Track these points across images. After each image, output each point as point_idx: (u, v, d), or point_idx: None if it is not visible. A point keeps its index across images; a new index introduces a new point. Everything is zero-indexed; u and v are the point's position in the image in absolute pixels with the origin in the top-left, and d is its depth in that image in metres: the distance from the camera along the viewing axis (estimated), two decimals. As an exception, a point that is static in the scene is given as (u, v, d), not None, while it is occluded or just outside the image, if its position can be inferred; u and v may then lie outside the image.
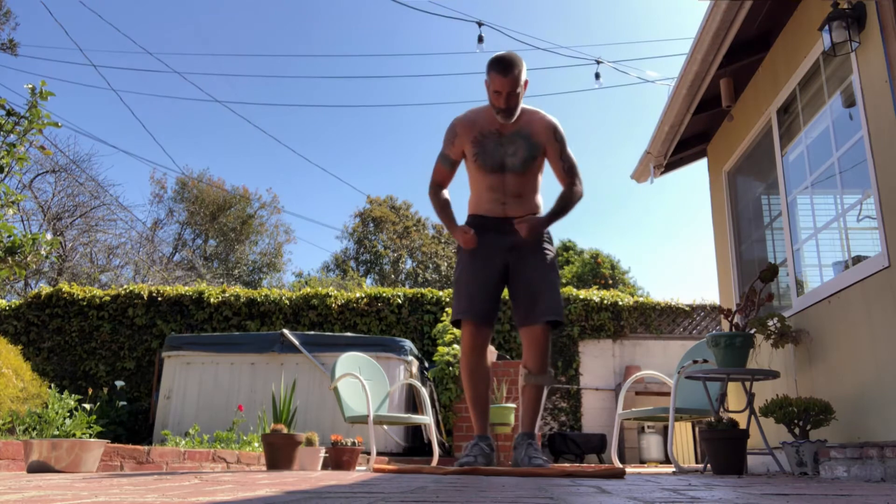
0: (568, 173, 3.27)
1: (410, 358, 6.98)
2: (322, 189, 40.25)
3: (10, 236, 3.60)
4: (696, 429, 8.06)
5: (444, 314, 8.08)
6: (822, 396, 3.53)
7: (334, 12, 35.52)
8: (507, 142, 3.21)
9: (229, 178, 30.11)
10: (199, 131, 34.62)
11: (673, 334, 9.22)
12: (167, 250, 21.31)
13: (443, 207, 3.33)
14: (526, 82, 3.16)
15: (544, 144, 3.24)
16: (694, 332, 9.26)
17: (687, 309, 9.38)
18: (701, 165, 5.90)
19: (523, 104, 3.22)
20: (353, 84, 41.92)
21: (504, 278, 3.32)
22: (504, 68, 3.07)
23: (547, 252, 3.30)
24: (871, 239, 3.42)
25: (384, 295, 9.16)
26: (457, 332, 7.25)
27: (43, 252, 3.72)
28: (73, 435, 3.67)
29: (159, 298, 9.16)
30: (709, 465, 3.61)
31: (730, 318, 3.87)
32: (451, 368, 6.72)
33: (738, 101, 4.95)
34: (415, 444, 6.98)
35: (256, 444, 5.16)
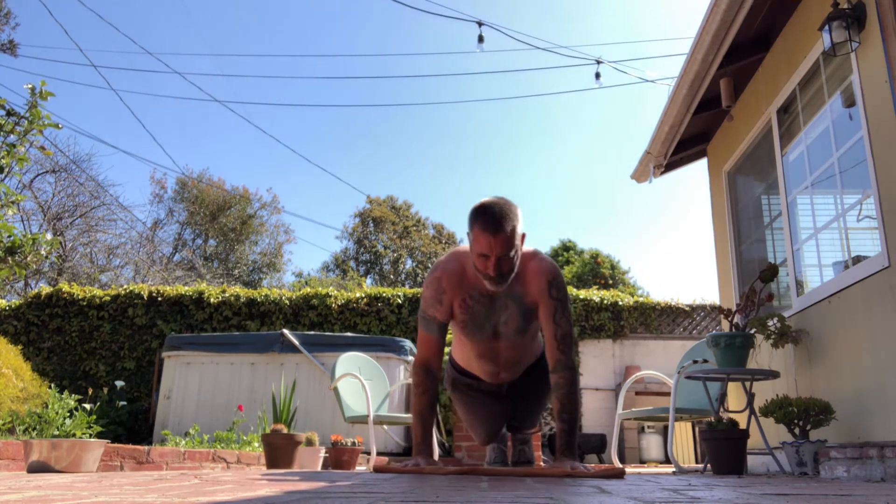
0: (560, 342, 2.52)
1: (410, 358, 6.98)
2: (322, 189, 40.27)
3: (10, 236, 3.60)
4: (696, 429, 8.06)
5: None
6: (822, 396, 3.53)
7: (334, 12, 35.54)
8: (500, 307, 2.57)
9: (229, 178, 30.12)
10: (199, 131, 34.64)
11: (673, 334, 9.22)
12: (167, 250, 21.33)
13: (423, 414, 2.58)
14: (523, 237, 2.47)
15: (537, 303, 2.55)
16: (694, 332, 9.27)
17: (687, 309, 9.38)
18: (701, 165, 5.90)
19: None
20: (354, 84, 41.94)
21: (498, 408, 3.02)
22: (493, 224, 2.33)
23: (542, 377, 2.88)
24: (871, 239, 3.42)
25: (384, 295, 9.16)
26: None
27: (43, 252, 3.72)
28: (73, 435, 3.67)
29: (159, 298, 9.16)
30: (709, 465, 3.61)
31: (730, 318, 3.87)
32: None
33: (738, 101, 4.95)
34: (415, 444, 6.97)
35: (256, 444, 5.16)
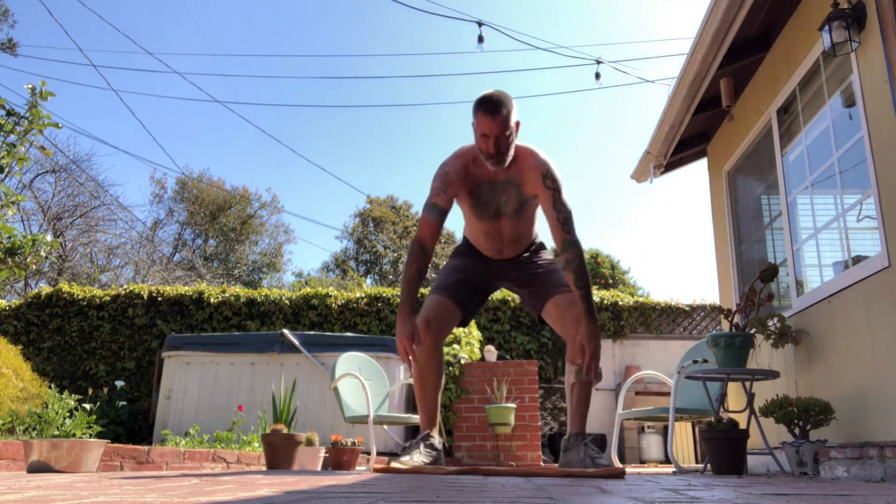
0: (563, 224, 2.85)
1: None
2: (322, 189, 40.26)
3: (9, 237, 3.60)
4: (696, 429, 8.06)
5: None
6: (822, 396, 3.53)
7: (334, 12, 35.54)
8: (500, 190, 2.94)
9: (229, 178, 30.13)
10: (199, 131, 34.64)
11: (673, 334, 9.22)
12: (167, 250, 21.33)
13: (410, 279, 2.89)
14: (517, 123, 2.85)
15: (535, 193, 2.91)
16: (694, 332, 9.27)
17: (687, 309, 9.38)
18: (701, 165, 5.91)
19: (518, 143, 2.93)
20: (354, 84, 41.94)
21: (495, 287, 3.24)
22: (491, 108, 2.76)
23: (548, 257, 3.23)
24: (871, 239, 3.42)
25: (384, 295, 9.16)
26: (456, 331, 7.25)
27: (42, 253, 3.72)
28: (73, 435, 3.67)
29: (159, 298, 9.16)
30: (709, 465, 3.61)
31: (730, 318, 3.87)
32: (451, 368, 6.72)
33: (738, 101, 4.95)
34: (415, 444, 6.97)
35: (256, 444, 5.16)
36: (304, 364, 6.99)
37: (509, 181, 2.91)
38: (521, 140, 2.91)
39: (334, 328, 8.96)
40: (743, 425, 3.69)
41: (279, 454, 3.88)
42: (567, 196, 2.88)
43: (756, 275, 3.99)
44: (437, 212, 2.92)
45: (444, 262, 3.31)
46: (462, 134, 38.66)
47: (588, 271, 2.87)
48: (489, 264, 3.20)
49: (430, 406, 3.05)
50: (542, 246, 3.26)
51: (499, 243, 3.11)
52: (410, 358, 2.76)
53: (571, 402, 3.00)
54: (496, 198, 2.95)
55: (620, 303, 9.19)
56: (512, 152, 2.84)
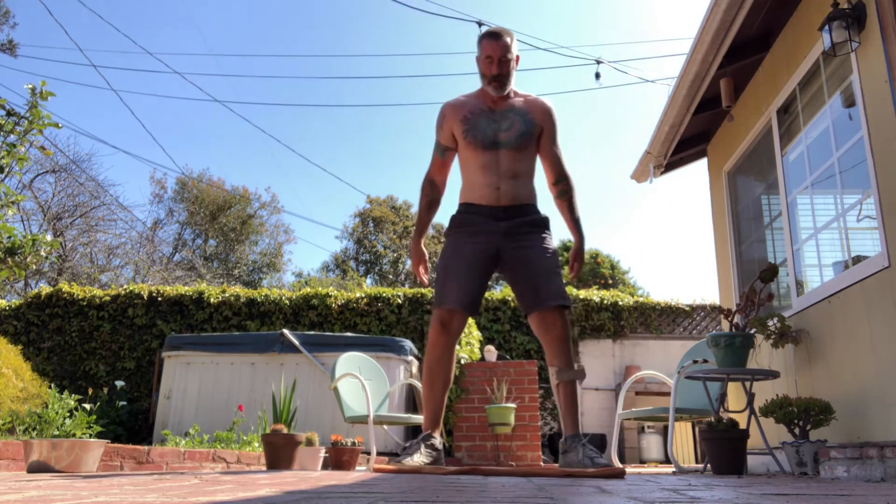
0: (559, 160, 3.21)
1: (410, 358, 6.98)
2: (322, 189, 40.26)
3: (9, 237, 3.60)
4: (696, 429, 8.06)
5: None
6: (822, 396, 3.53)
7: (334, 12, 35.53)
8: (501, 117, 3.08)
9: (229, 178, 30.12)
10: (199, 131, 34.63)
11: (673, 334, 9.22)
12: (167, 250, 21.32)
13: (422, 211, 3.27)
14: (517, 57, 3.09)
15: (541, 124, 3.12)
16: (694, 332, 9.26)
17: (687, 309, 9.38)
18: (701, 165, 5.91)
19: (517, 88, 3.16)
20: (354, 83, 41.93)
21: (494, 263, 3.08)
22: (495, 34, 3.03)
23: (545, 237, 3.10)
24: (871, 239, 3.42)
25: (384, 295, 9.15)
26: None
27: (43, 253, 3.72)
28: (73, 435, 3.67)
29: (159, 298, 9.16)
30: (709, 465, 3.61)
31: (730, 318, 3.87)
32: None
33: (738, 101, 4.95)
34: (415, 444, 6.97)
35: (256, 444, 5.16)
36: (304, 364, 6.99)
37: (512, 109, 3.10)
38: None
39: (334, 328, 8.95)
40: (743, 425, 3.69)
41: (279, 454, 3.88)
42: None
43: (756, 275, 3.99)
44: (439, 148, 3.21)
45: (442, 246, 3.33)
46: (462, 134, 38.63)
47: (578, 207, 3.27)
48: (484, 239, 3.04)
49: (436, 405, 3.10)
50: (543, 222, 3.13)
51: (496, 177, 3.06)
52: (422, 277, 3.28)
53: (560, 404, 3.01)
54: (495, 125, 3.08)
55: (620, 303, 9.19)
56: (513, 81, 3.07)
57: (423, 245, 3.26)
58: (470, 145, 3.09)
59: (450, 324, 3.04)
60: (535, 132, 3.11)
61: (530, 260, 3.01)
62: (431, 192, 3.26)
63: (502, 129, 3.06)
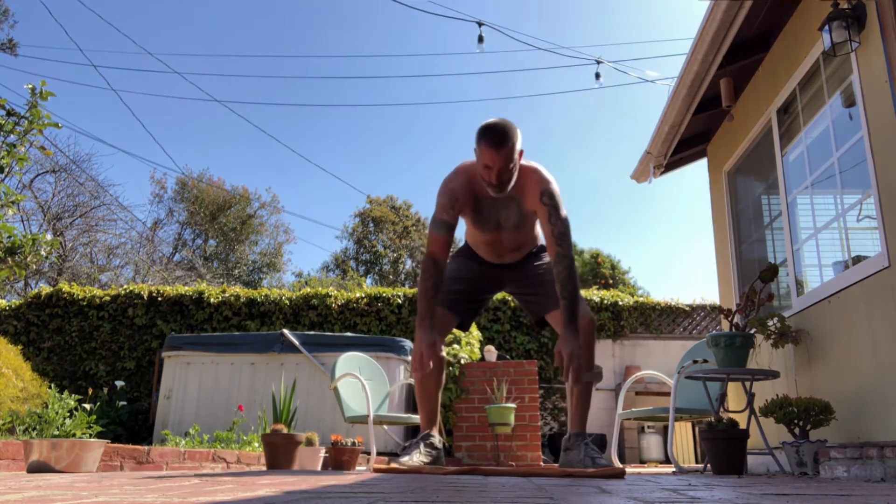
0: (557, 238, 2.90)
1: (410, 358, 6.97)
2: (322, 189, 40.25)
3: (10, 237, 3.60)
4: (696, 429, 8.06)
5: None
6: (822, 396, 3.53)
7: (334, 12, 35.53)
8: (501, 205, 3.02)
9: (229, 178, 30.10)
10: (199, 131, 34.62)
11: (673, 334, 9.22)
12: (167, 250, 21.33)
13: (427, 293, 2.95)
14: (521, 153, 2.89)
15: (535, 208, 2.97)
16: (694, 332, 9.26)
17: (687, 309, 9.38)
18: (701, 165, 5.90)
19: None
20: (354, 83, 41.93)
21: (498, 288, 3.32)
22: (496, 141, 2.77)
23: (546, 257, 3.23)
24: (871, 239, 3.42)
25: (384, 295, 9.16)
26: (457, 331, 7.24)
27: (43, 253, 3.73)
28: (73, 435, 3.67)
29: (159, 298, 9.16)
30: (709, 465, 3.61)
31: (730, 318, 3.87)
32: (451, 368, 6.72)
33: (738, 101, 4.95)
34: (415, 444, 6.98)
35: (256, 444, 5.16)
36: (304, 364, 6.99)
37: (510, 198, 2.98)
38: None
39: (334, 328, 8.95)
40: (743, 425, 3.69)
41: (279, 454, 3.88)
42: (564, 210, 2.95)
43: (756, 275, 3.99)
44: (445, 227, 3.01)
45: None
46: (462, 135, 38.74)
47: (577, 282, 2.91)
48: (489, 269, 3.26)
49: (430, 405, 3.11)
50: (542, 248, 3.29)
51: (499, 250, 3.19)
52: (421, 365, 2.81)
53: (571, 403, 3.06)
54: (497, 212, 3.04)
55: (620, 303, 9.19)
56: (514, 180, 2.90)
57: (431, 330, 2.88)
58: (476, 227, 3.12)
59: (443, 325, 3.10)
60: (531, 217, 3.04)
61: (538, 283, 3.19)
62: (436, 272, 3.00)
63: (502, 216, 3.05)
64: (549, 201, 2.93)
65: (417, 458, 2.96)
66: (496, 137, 2.78)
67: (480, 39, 8.33)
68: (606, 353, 9.02)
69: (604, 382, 8.84)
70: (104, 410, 7.06)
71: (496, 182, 2.83)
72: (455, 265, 3.29)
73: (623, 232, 37.01)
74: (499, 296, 9.10)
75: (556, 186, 2.99)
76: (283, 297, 9.14)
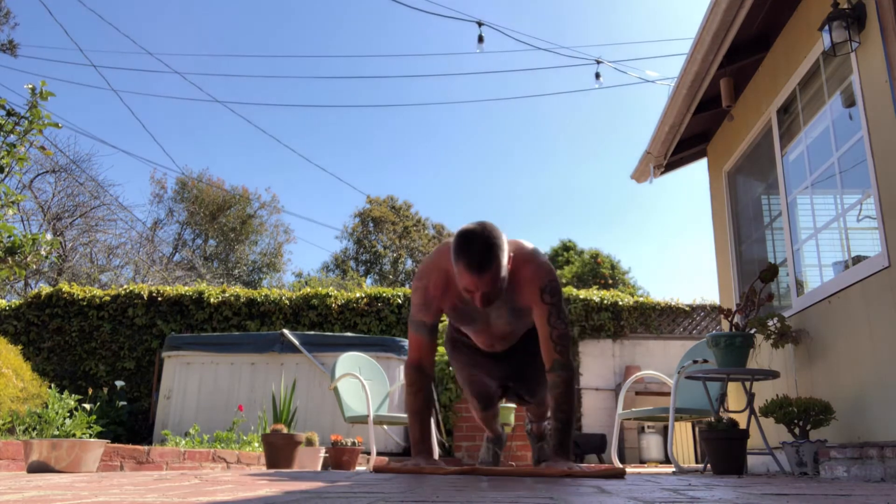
0: (556, 343, 2.52)
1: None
2: (322, 189, 40.24)
3: (10, 236, 3.60)
4: (696, 429, 8.06)
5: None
6: (822, 396, 3.53)
7: (333, 12, 35.52)
8: (490, 308, 2.61)
9: (229, 178, 30.12)
10: (199, 131, 34.61)
11: (673, 334, 9.22)
12: (167, 250, 21.33)
13: (420, 413, 2.63)
14: (510, 258, 2.43)
15: (530, 305, 2.56)
16: (694, 332, 9.26)
17: (687, 309, 9.38)
18: (701, 165, 5.90)
19: (511, 245, 2.56)
20: (354, 84, 41.93)
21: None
22: (476, 265, 2.29)
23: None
24: (871, 239, 3.42)
25: (384, 295, 9.16)
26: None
27: (43, 252, 3.73)
28: (73, 435, 3.67)
29: (159, 298, 9.16)
30: (709, 465, 3.61)
31: (730, 318, 3.87)
32: (451, 368, 6.72)
33: (738, 101, 4.95)
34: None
35: (256, 444, 5.17)
36: (304, 364, 6.99)
37: (501, 300, 2.57)
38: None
39: (334, 328, 8.96)
40: (743, 425, 3.69)
41: (279, 454, 3.88)
42: (565, 308, 2.61)
43: (756, 275, 3.99)
44: (425, 329, 2.63)
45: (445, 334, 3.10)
46: (462, 135, 38.71)
47: (574, 400, 2.54)
48: (486, 354, 2.97)
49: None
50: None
51: (489, 340, 2.84)
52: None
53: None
54: (483, 314, 2.65)
55: (620, 303, 9.19)
56: (504, 284, 2.43)
57: (432, 457, 2.62)
58: (461, 325, 2.77)
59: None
60: (523, 314, 2.64)
61: (529, 359, 2.91)
62: (422, 381, 2.65)
63: (493, 316, 2.65)
64: (551, 300, 2.51)
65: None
66: (477, 258, 2.30)
67: (480, 39, 8.34)
68: (606, 353, 9.02)
69: (604, 382, 8.85)
70: (104, 410, 7.06)
71: (480, 304, 2.40)
72: (458, 358, 2.97)
73: (623, 232, 37.02)
74: (499, 296, 9.09)
75: (557, 279, 2.58)
76: (283, 297, 9.14)
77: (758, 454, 4.07)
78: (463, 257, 2.31)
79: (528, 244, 2.61)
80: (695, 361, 4.01)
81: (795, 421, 3.39)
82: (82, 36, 31.68)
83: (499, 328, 2.72)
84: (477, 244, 2.31)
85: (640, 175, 5.96)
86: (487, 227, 2.36)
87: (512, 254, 2.48)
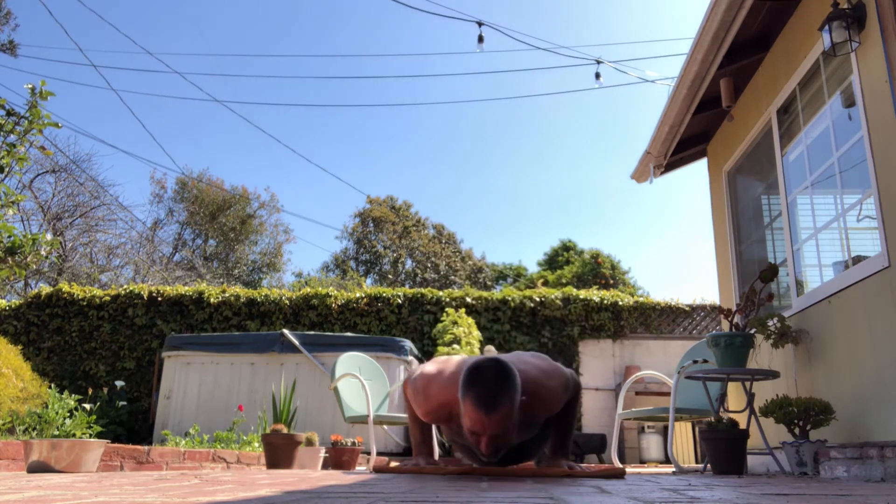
0: (565, 436, 2.52)
1: (410, 358, 6.98)
2: (322, 189, 40.25)
3: (10, 236, 3.60)
4: (696, 429, 8.06)
5: (444, 314, 8.10)
6: (822, 396, 3.53)
7: (333, 12, 35.52)
8: None
9: (229, 177, 30.13)
10: (199, 131, 34.61)
11: (673, 334, 9.22)
12: (167, 250, 21.33)
13: (419, 420, 2.66)
14: (522, 403, 2.22)
15: (549, 414, 2.45)
16: (694, 332, 9.26)
17: (687, 309, 9.38)
18: (701, 165, 5.90)
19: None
20: (353, 84, 41.92)
21: None
22: (487, 403, 2.10)
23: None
24: (871, 239, 3.42)
25: (384, 295, 9.16)
26: (456, 331, 7.24)
27: (43, 252, 3.72)
28: (73, 435, 3.66)
29: (159, 298, 9.16)
30: (709, 465, 3.60)
31: (730, 318, 3.87)
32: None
33: (738, 101, 4.95)
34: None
35: (256, 444, 5.16)
36: (304, 364, 6.99)
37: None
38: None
39: (334, 328, 8.95)
40: (743, 425, 3.69)
41: (279, 454, 3.88)
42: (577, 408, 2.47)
43: (756, 275, 3.98)
44: (424, 424, 2.62)
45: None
46: (462, 135, 38.70)
47: (574, 417, 2.52)
48: None
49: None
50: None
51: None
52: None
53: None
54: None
55: (620, 303, 9.19)
56: (513, 432, 2.23)
57: (432, 457, 2.56)
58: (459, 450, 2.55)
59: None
60: (538, 426, 2.48)
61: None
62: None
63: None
64: (569, 395, 2.42)
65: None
66: (487, 396, 2.09)
67: (480, 39, 8.34)
68: (606, 353, 9.02)
69: (604, 382, 8.85)
70: (104, 410, 7.06)
71: (486, 452, 2.16)
72: (451, 434, 2.86)
73: (623, 232, 37.03)
74: (498, 295, 9.09)
75: (571, 379, 2.43)
76: (283, 297, 9.14)
77: (758, 454, 4.07)
78: (473, 391, 2.11)
79: (543, 363, 2.43)
80: (695, 361, 4.01)
81: (795, 421, 3.39)
82: (82, 36, 31.66)
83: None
84: (489, 380, 2.11)
85: (640, 175, 5.95)
86: (501, 363, 2.19)
87: (516, 422, 2.24)
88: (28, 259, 3.64)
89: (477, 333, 7.72)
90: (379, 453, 5.82)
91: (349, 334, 7.67)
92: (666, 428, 7.76)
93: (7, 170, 3.64)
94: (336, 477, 2.43)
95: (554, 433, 2.51)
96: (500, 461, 2.71)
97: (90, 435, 3.82)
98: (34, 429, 3.76)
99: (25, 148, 3.73)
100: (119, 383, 8.06)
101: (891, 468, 2.47)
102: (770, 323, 3.82)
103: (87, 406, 4.29)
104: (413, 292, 9.26)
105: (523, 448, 2.67)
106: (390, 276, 25.15)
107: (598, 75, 9.21)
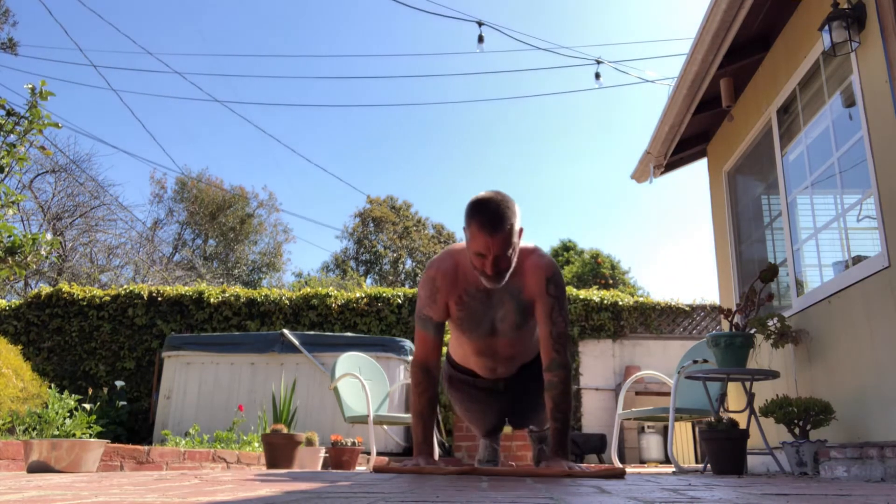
0: (555, 340, 2.49)
1: (410, 358, 6.97)
2: (322, 189, 40.26)
3: (10, 236, 3.60)
4: (696, 429, 8.06)
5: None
6: (822, 396, 3.53)
7: (333, 12, 35.53)
8: (497, 303, 2.56)
9: (229, 177, 30.16)
10: (199, 131, 34.63)
11: (673, 334, 9.22)
12: (167, 250, 21.34)
13: (423, 413, 2.57)
14: (520, 232, 2.41)
15: (534, 301, 2.52)
16: (694, 332, 9.26)
17: (687, 309, 9.38)
18: (701, 165, 5.90)
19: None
20: (354, 84, 41.94)
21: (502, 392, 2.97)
22: (491, 223, 2.30)
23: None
24: (871, 239, 3.42)
25: (384, 295, 9.16)
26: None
27: (43, 252, 3.72)
28: (73, 435, 3.66)
29: (159, 298, 9.16)
30: (709, 465, 3.60)
31: (730, 318, 3.87)
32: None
33: (738, 101, 4.95)
34: (415, 444, 6.99)
35: (256, 444, 5.17)
36: (304, 364, 6.99)
37: (508, 290, 2.53)
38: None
39: (334, 328, 8.96)
40: (743, 425, 3.69)
41: (279, 454, 3.88)
42: (567, 306, 2.55)
43: (756, 275, 3.98)
44: (431, 326, 2.57)
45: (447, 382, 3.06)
46: (462, 134, 38.69)
47: (570, 400, 2.50)
48: (486, 390, 2.93)
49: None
50: (533, 361, 2.86)
51: (492, 362, 2.78)
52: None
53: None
54: (490, 312, 2.59)
55: (620, 303, 9.19)
56: (513, 267, 2.43)
57: (433, 458, 2.57)
58: (465, 331, 2.66)
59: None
60: (530, 313, 2.57)
61: (528, 391, 2.88)
62: (429, 384, 2.58)
63: (498, 316, 2.59)
64: (556, 292, 2.49)
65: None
66: (491, 218, 2.31)
67: (480, 39, 8.35)
68: (606, 353, 9.02)
69: (604, 382, 8.85)
70: (104, 410, 7.06)
71: (492, 273, 2.36)
72: (461, 399, 2.96)
73: (623, 232, 37.03)
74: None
75: (561, 275, 2.54)
76: (283, 297, 9.14)
77: (758, 454, 4.07)
78: (476, 215, 2.34)
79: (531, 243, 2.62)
80: (695, 361, 4.01)
81: (795, 421, 3.39)
82: (82, 36, 31.68)
83: (504, 338, 2.66)
84: (492, 204, 2.35)
85: (640, 175, 5.96)
86: (502, 193, 2.42)
87: (518, 244, 2.45)
88: (28, 259, 3.65)
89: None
90: (379, 453, 5.82)
91: (349, 334, 7.68)
92: (666, 428, 7.76)
93: (7, 170, 3.64)
94: (336, 477, 2.43)
95: (552, 430, 2.52)
96: (506, 391, 2.87)
97: (90, 435, 3.82)
98: (34, 429, 3.76)
99: (25, 148, 3.73)
100: (119, 383, 8.06)
101: (891, 468, 2.47)
102: (770, 323, 3.82)
103: (87, 406, 4.29)
104: (413, 292, 9.26)
105: (522, 378, 2.83)
106: (390, 276, 25.15)
107: (598, 75, 9.22)
